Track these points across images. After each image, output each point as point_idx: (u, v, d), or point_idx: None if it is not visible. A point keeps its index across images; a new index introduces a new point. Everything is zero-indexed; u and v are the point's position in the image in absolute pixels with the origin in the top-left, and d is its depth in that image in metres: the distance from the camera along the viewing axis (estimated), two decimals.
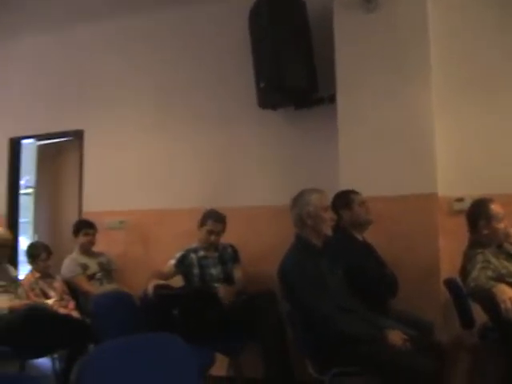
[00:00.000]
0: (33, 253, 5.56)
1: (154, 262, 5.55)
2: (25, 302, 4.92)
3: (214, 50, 6.04)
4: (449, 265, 4.48)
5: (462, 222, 4.26)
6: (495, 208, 4.05)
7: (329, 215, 3.81)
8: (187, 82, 6.18)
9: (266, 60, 5.16)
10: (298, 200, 3.85)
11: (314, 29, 5.31)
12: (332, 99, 5.20)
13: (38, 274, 5.45)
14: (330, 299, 3.55)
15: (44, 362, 5.32)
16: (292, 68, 5.09)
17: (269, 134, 5.74)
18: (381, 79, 4.92)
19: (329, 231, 3.79)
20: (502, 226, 4.04)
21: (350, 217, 4.30)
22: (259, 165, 5.80)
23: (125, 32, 6.58)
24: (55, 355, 5.19)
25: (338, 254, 3.92)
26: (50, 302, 5.12)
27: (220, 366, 4.73)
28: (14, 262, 6.56)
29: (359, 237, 4.35)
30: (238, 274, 5.20)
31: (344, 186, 4.66)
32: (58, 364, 5.17)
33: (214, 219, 5.13)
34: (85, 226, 5.86)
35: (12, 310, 4.68)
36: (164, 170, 6.24)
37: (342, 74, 5.06)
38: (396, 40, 4.90)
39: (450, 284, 4.40)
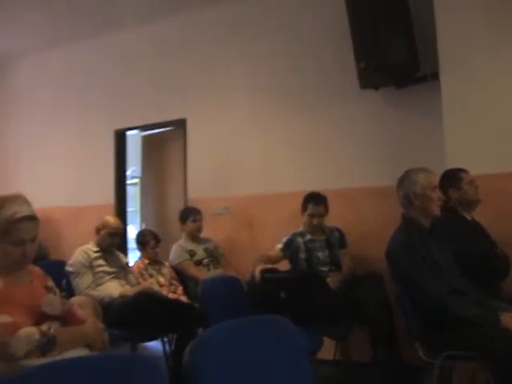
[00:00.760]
0: (142, 240, 5.72)
1: (260, 247, 5.59)
2: (134, 288, 5.04)
3: (312, 32, 5.99)
4: None
5: None
6: None
7: (436, 195, 3.70)
8: (286, 67, 6.16)
9: (365, 39, 5.05)
10: (405, 180, 3.76)
11: (414, 4, 5.16)
12: (435, 76, 5.02)
13: (147, 261, 5.60)
14: (441, 281, 3.44)
15: (154, 345, 5.46)
16: (393, 46, 4.95)
17: (371, 115, 5.65)
18: (488, 51, 4.70)
19: (437, 211, 3.68)
20: None
21: (458, 196, 4.17)
22: (361, 146, 5.71)
23: (218, 19, 6.64)
24: (165, 338, 5.34)
25: (447, 235, 3.81)
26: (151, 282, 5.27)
27: (327, 350, 4.70)
28: (124, 250, 6.76)
29: (468, 216, 4.22)
30: (345, 260, 5.14)
31: (451, 164, 4.51)
32: (167, 347, 5.31)
33: (314, 202, 5.11)
34: (192, 213, 5.95)
35: (123, 296, 4.83)
36: (266, 155, 6.26)
37: (444, 49, 4.86)
38: (501, 8, 4.67)
39: None
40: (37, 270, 3.00)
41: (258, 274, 4.65)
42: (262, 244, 5.66)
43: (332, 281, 4.72)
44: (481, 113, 4.70)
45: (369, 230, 5.39)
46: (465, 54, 4.79)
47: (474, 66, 4.75)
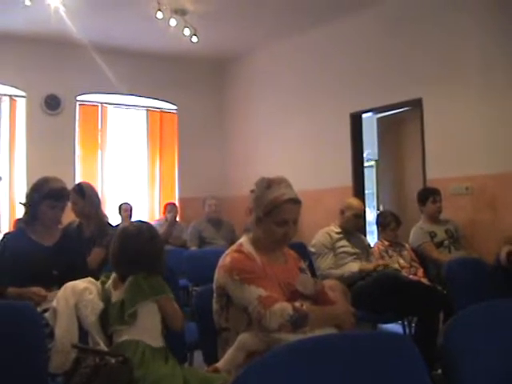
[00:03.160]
0: (382, 222, 5.75)
1: (503, 228, 5.39)
2: (374, 263, 5.09)
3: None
4: None
5: None
6: None
7: None
8: None
9: None
10: None
11: None
12: None
13: (387, 243, 5.60)
14: None
15: (393, 327, 5.46)
16: None
17: None
18: None
19: None
20: None
21: None
22: None
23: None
24: (405, 322, 5.32)
25: None
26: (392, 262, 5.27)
27: None
28: (363, 232, 6.82)
29: None
30: None
31: None
32: (407, 330, 5.29)
33: None
34: (431, 194, 5.86)
35: (362, 271, 4.90)
36: (502, 130, 5.95)
37: None
38: None
39: None
40: (291, 251, 3.17)
41: (504, 257, 4.47)
42: (505, 225, 5.44)
43: None
44: None
45: None
46: None
47: None
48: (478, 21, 6.17)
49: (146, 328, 2.84)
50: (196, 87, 9.57)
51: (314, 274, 4.85)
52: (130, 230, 3.06)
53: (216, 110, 9.87)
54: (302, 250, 5.22)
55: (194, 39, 7.50)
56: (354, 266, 4.97)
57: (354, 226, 5.31)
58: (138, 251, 2.95)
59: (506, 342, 2.03)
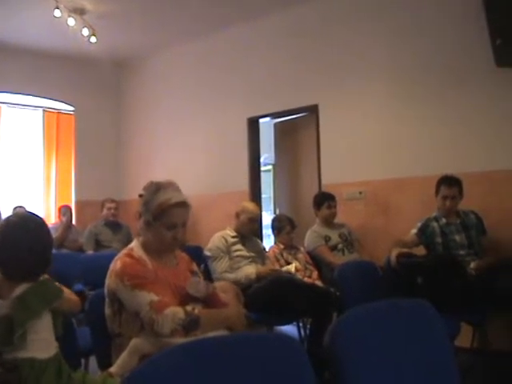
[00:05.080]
0: (278, 226, 5.79)
1: (394, 232, 5.55)
2: (269, 267, 5.15)
3: (446, 8, 5.80)
4: None
5: None
6: None
7: None
8: (418, 46, 6.02)
9: (501, 14, 4.86)
10: None
11: None
12: None
13: (282, 246, 5.67)
14: None
15: (288, 329, 5.54)
16: None
17: (507, 94, 5.42)
18: None
19: None
20: None
21: None
22: (497, 127, 5.50)
23: (354, 6, 6.59)
24: (300, 323, 5.42)
25: None
26: (291, 266, 5.31)
27: (464, 337, 4.61)
28: (259, 236, 6.88)
29: None
30: (486, 245, 5.04)
31: None
32: (302, 331, 5.38)
33: (447, 184, 5.03)
34: (327, 199, 5.97)
35: (259, 275, 4.93)
36: (399, 138, 6.15)
37: None
38: None
39: None
40: (183, 254, 3.18)
41: (394, 259, 4.63)
42: (396, 229, 5.61)
43: (475, 268, 4.62)
44: None
45: (508, 215, 5.22)
46: None
47: None
48: (378, 28, 6.37)
49: (39, 340, 2.64)
50: (94, 89, 9.39)
51: (209, 278, 4.88)
52: (14, 222, 2.75)
53: (115, 112, 9.70)
54: (198, 254, 5.26)
55: (93, 39, 7.38)
56: (250, 271, 5.00)
57: (249, 230, 5.35)
58: (25, 246, 2.65)
59: (389, 342, 2.09)
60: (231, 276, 4.93)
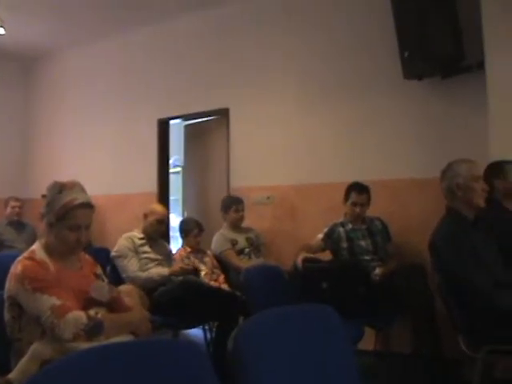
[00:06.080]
0: (185, 228, 5.78)
1: (301, 237, 5.61)
2: (182, 265, 5.11)
3: (357, 19, 5.94)
4: None
5: None
6: None
7: (480, 186, 3.68)
8: (329, 54, 6.13)
9: (409, 28, 5.01)
10: (447, 172, 3.76)
11: None
12: (480, 66, 4.95)
13: (189, 249, 5.64)
14: (485, 273, 3.42)
15: (195, 332, 5.53)
16: (437, 35, 4.89)
17: (414, 105, 5.60)
18: None
19: (481, 203, 3.66)
20: None
21: (503, 187, 4.14)
22: (404, 137, 5.66)
23: (265, 10, 6.63)
24: (206, 326, 5.41)
25: (491, 227, 3.79)
26: (202, 272, 5.31)
27: (367, 340, 4.71)
28: (166, 238, 6.84)
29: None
30: (391, 251, 5.18)
31: (495, 156, 4.44)
32: (208, 334, 5.38)
33: (357, 191, 5.13)
34: (234, 203, 5.98)
35: (172, 273, 4.94)
36: (310, 145, 6.23)
37: (489, 38, 4.74)
38: None
39: None
40: (87, 257, 3.10)
41: (299, 263, 4.69)
42: (303, 234, 5.68)
43: (379, 274, 4.73)
44: None
45: (413, 221, 5.36)
46: (510, 40, 4.70)
47: None
48: (286, 33, 6.45)
49: None
50: (1, 83, 9.10)
51: (118, 279, 4.81)
52: None
53: (21, 108, 9.39)
54: (105, 255, 5.20)
55: (1, 31, 7.14)
56: (162, 270, 4.99)
57: (156, 231, 5.29)
58: None
59: (292, 347, 2.11)
60: (143, 275, 4.88)
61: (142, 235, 5.20)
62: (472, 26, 4.94)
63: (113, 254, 5.12)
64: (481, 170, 3.85)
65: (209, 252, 5.76)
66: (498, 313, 3.31)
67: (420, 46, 4.96)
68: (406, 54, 5.10)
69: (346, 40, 6.02)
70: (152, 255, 5.12)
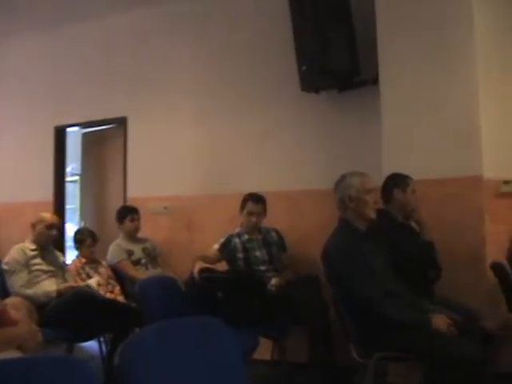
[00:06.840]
0: (79, 239, 5.67)
1: (198, 247, 5.58)
2: (70, 284, 5.01)
3: (256, 33, 6.01)
4: (496, 248, 4.40)
5: (510, 204, 4.18)
6: None
7: (372, 198, 3.77)
8: (229, 66, 6.18)
9: (308, 43, 5.12)
10: (340, 183, 3.83)
11: (355, 10, 5.24)
12: (375, 81, 5.12)
13: (84, 260, 5.54)
14: (375, 283, 3.51)
15: (91, 345, 5.42)
16: (335, 50, 5.05)
17: (311, 117, 5.71)
18: (424, 61, 4.81)
19: (372, 214, 3.74)
20: None
21: (401, 198, 4.26)
22: (302, 148, 5.77)
23: (164, 18, 6.62)
24: (102, 339, 5.31)
25: (382, 238, 3.89)
26: (93, 281, 5.20)
27: (264, 350, 4.76)
28: (62, 248, 6.69)
29: (402, 220, 4.31)
30: (287, 262, 5.24)
31: (387, 169, 4.60)
32: (104, 347, 5.28)
33: (253, 200, 5.17)
34: (130, 212, 5.91)
35: (60, 293, 4.79)
36: (207, 155, 6.25)
37: (384, 55, 4.96)
38: (439, 20, 4.78)
39: (496, 268, 4.32)
40: None
41: (196, 274, 4.68)
42: (200, 244, 5.65)
43: (276, 285, 4.76)
44: (418, 118, 4.81)
45: (310, 232, 5.43)
46: (404, 60, 4.90)
47: (413, 73, 4.86)
48: (186, 43, 6.45)
49: None
50: None
51: (6, 294, 4.66)
52: None
53: None
54: None
55: None
56: (50, 288, 4.85)
57: (47, 239, 5.17)
58: None
59: (179, 359, 2.10)
60: (29, 292, 4.75)
61: (34, 246, 5.07)
62: (368, 42, 5.11)
63: (1, 266, 4.96)
64: (373, 182, 3.93)
65: (104, 262, 5.66)
66: (388, 321, 3.40)
67: (317, 60, 5.09)
68: (304, 68, 5.20)
69: (246, 52, 6.08)
70: (44, 267, 5.00)
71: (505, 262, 4.08)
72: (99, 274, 5.45)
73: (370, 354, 3.49)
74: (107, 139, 7.54)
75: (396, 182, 4.31)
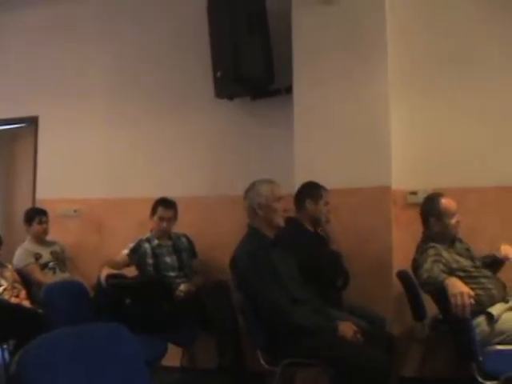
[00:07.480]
0: None
1: (108, 252, 5.52)
2: None
3: (172, 38, 5.99)
4: (402, 257, 4.48)
5: (416, 214, 4.30)
6: (446, 204, 4.06)
7: (281, 206, 3.80)
8: (143, 70, 6.14)
9: (223, 50, 5.14)
10: (250, 191, 3.85)
11: (271, 20, 5.29)
12: (289, 90, 5.18)
13: None
14: (282, 290, 3.54)
15: None
16: (249, 58, 5.09)
17: (225, 124, 5.73)
18: (337, 72, 4.92)
19: (281, 222, 3.77)
20: (453, 221, 4.06)
21: (313, 208, 4.31)
22: (215, 155, 5.79)
23: (79, 18, 6.50)
24: (5, 345, 5.15)
25: (291, 246, 3.92)
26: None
27: (173, 357, 4.74)
28: None
29: (311, 229, 4.37)
30: (197, 268, 5.24)
31: (299, 177, 4.70)
32: (7, 355, 5.13)
33: (164, 206, 5.15)
34: (38, 214, 5.78)
35: None
36: (118, 159, 6.18)
37: (298, 66, 5.04)
38: (354, 32, 4.89)
39: (402, 276, 4.44)
40: None
41: (103, 279, 4.61)
42: (110, 249, 5.57)
43: (184, 291, 4.75)
44: (329, 129, 4.91)
45: (221, 238, 5.41)
46: (318, 71, 4.99)
47: (327, 82, 4.94)
48: (101, 43, 6.35)
49: None
50: None
51: None
52: None
53: None
54: None
55: None
56: None
57: None
58: None
59: (81, 367, 2.05)
60: None
61: None
62: (284, 52, 5.16)
63: None
64: (283, 190, 3.95)
65: (10, 266, 5.49)
66: (295, 328, 3.43)
67: (232, 67, 5.10)
68: (219, 74, 5.20)
69: (162, 56, 6.05)
70: None
71: (410, 270, 4.17)
72: (5, 277, 5.30)
73: (277, 360, 3.52)
74: (17, 139, 7.37)
75: (309, 192, 4.37)
